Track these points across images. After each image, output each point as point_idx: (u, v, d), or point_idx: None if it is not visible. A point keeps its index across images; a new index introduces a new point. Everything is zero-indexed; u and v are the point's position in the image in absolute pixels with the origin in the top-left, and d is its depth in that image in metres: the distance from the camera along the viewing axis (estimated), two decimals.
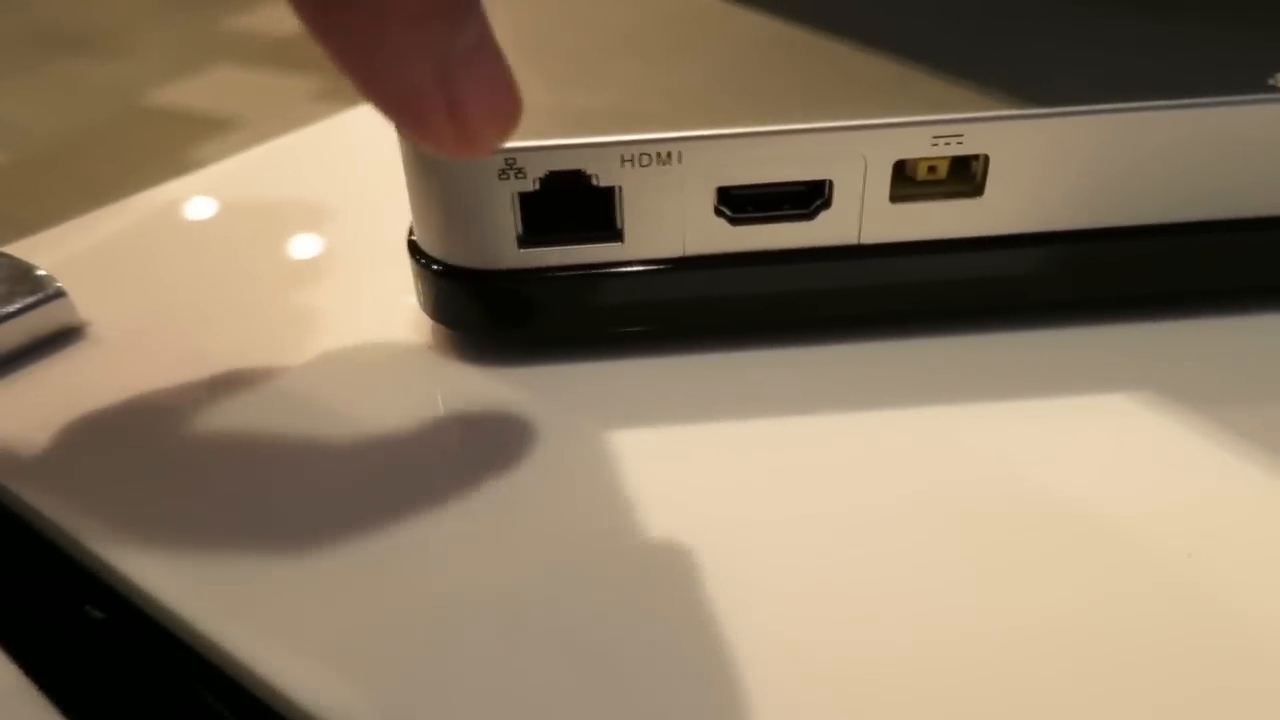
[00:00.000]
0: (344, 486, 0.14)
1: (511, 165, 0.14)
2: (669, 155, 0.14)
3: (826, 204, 0.15)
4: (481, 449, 0.14)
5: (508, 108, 0.11)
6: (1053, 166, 0.15)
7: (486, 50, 0.11)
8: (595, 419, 0.15)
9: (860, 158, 0.14)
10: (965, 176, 0.15)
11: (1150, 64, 0.15)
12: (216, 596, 0.12)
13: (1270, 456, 0.13)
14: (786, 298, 0.15)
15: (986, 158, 0.15)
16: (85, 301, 0.17)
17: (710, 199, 0.15)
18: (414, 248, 0.16)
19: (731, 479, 0.14)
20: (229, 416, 0.15)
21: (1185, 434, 0.14)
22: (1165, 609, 0.12)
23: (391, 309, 0.17)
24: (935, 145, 0.14)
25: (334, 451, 0.14)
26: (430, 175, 0.14)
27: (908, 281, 0.15)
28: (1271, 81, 0.14)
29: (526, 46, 0.17)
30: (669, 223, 0.15)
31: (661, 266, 0.15)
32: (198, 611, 0.12)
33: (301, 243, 0.19)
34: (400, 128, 0.12)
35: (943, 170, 0.15)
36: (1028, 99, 0.14)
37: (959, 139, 0.14)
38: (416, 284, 0.16)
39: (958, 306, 0.16)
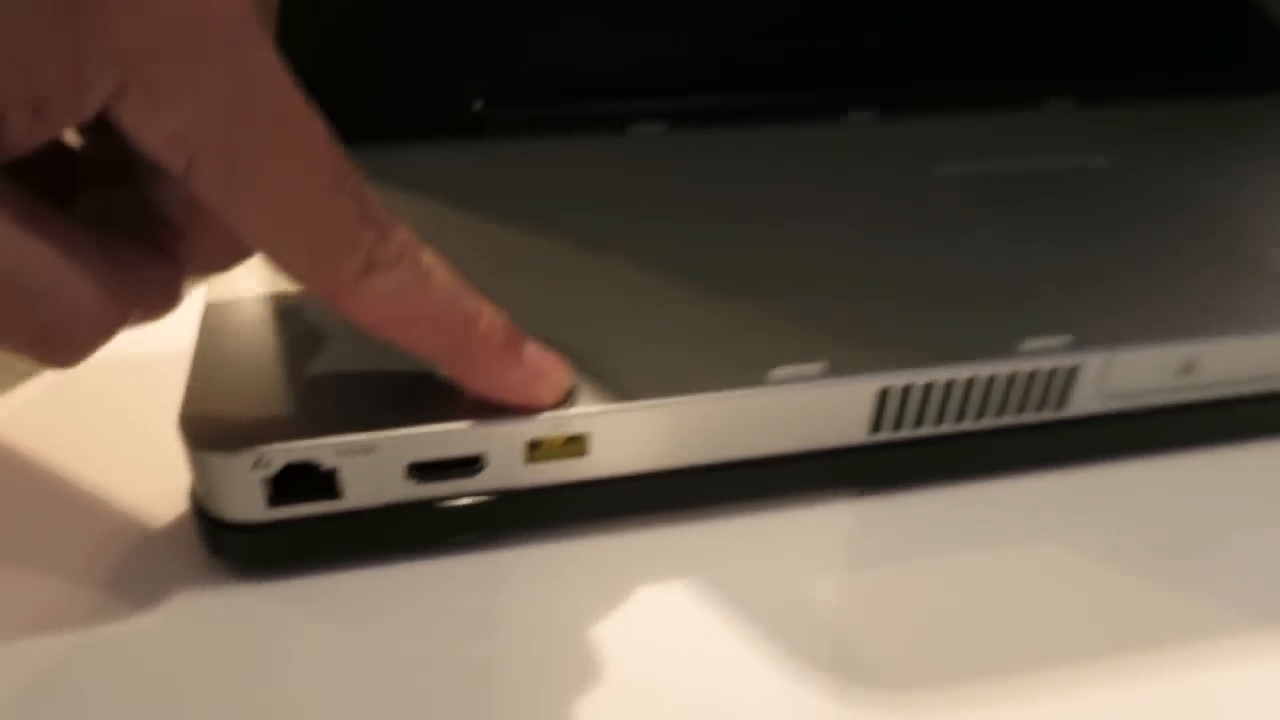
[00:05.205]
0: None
1: (259, 461, 0.20)
2: (370, 447, 0.21)
3: (484, 467, 0.22)
4: (217, 659, 0.21)
5: (562, 366, 0.22)
6: (630, 434, 0.22)
7: (540, 347, 0.21)
8: (338, 626, 0.21)
9: (502, 442, 0.22)
10: (578, 445, 0.22)
11: (689, 360, 0.23)
12: None
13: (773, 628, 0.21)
14: (460, 527, 0.23)
15: (589, 434, 0.22)
16: None
17: (403, 468, 0.21)
18: (194, 500, 0.22)
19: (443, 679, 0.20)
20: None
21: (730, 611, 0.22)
22: None
23: (183, 542, 0.23)
24: (552, 429, 0.22)
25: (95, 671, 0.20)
26: (204, 464, 0.21)
27: (544, 513, 0.23)
28: (768, 376, 0.23)
29: (262, 374, 0.23)
30: (376, 485, 0.21)
31: (374, 513, 0.22)
32: None
33: (90, 483, 0.25)
34: (518, 406, 0.21)
35: (562, 440, 0.22)
36: (621, 393, 0.22)
37: (568, 424, 0.22)
38: (197, 527, 0.22)
39: (586, 525, 0.23)
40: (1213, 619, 0.22)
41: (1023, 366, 0.24)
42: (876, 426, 0.24)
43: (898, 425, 0.24)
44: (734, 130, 0.34)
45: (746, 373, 0.23)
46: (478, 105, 0.34)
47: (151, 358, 0.26)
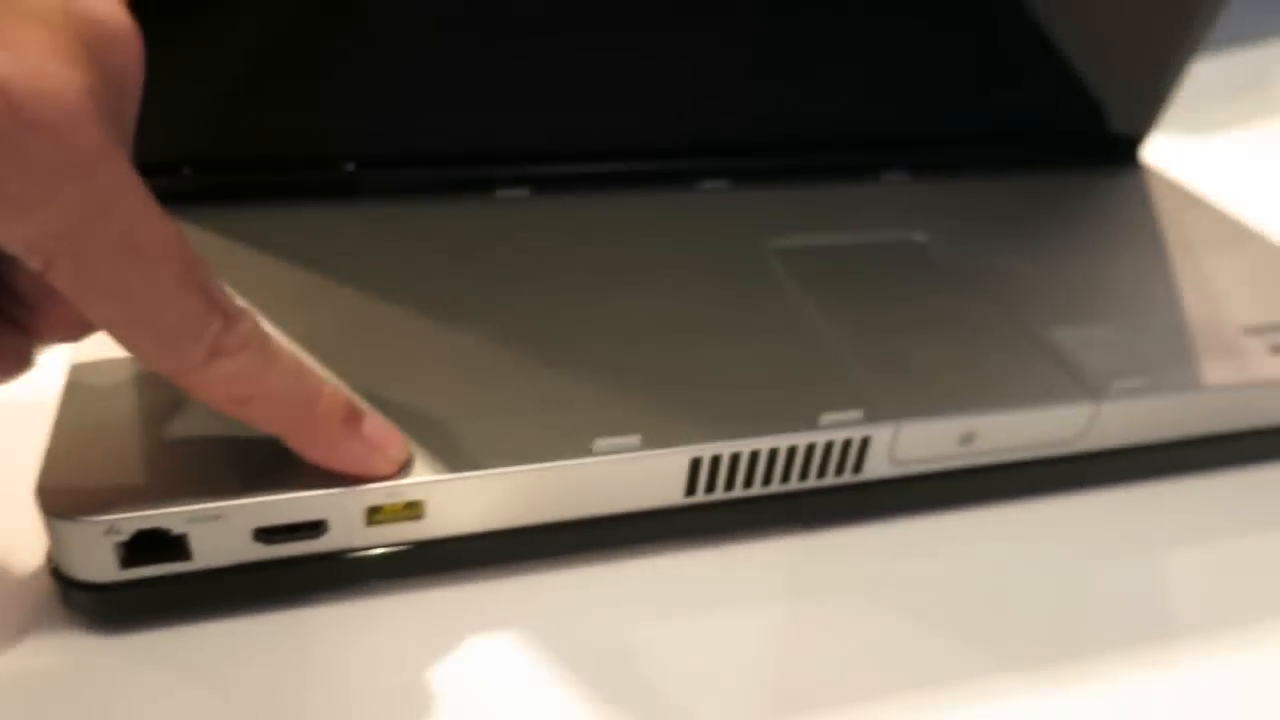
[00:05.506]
0: None
1: (111, 529, 0.22)
2: (218, 514, 0.23)
3: (327, 530, 0.24)
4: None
5: (399, 439, 0.24)
6: (463, 500, 0.25)
7: (378, 421, 0.24)
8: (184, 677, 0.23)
9: (343, 508, 0.24)
10: (416, 509, 0.24)
11: (520, 430, 0.25)
12: None
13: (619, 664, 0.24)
14: (305, 585, 0.25)
15: (426, 500, 0.24)
16: None
17: (249, 533, 0.23)
18: (51, 559, 0.23)
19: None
20: None
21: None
22: None
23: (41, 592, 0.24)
24: (390, 496, 0.24)
25: None
26: (58, 531, 0.22)
27: (385, 569, 0.25)
28: (591, 447, 0.25)
29: (120, 438, 0.24)
30: (224, 548, 0.23)
31: (222, 572, 0.24)
32: None
33: None
34: (356, 476, 0.23)
35: (400, 506, 0.24)
36: (456, 463, 0.24)
37: (405, 492, 0.24)
38: (53, 583, 0.24)
39: (425, 580, 0.26)
40: (987, 656, 0.25)
41: (819, 438, 0.27)
42: (691, 490, 0.26)
43: (710, 489, 0.27)
44: (593, 195, 0.37)
45: (571, 444, 0.25)
46: (349, 167, 0.36)
47: (19, 406, 0.27)
